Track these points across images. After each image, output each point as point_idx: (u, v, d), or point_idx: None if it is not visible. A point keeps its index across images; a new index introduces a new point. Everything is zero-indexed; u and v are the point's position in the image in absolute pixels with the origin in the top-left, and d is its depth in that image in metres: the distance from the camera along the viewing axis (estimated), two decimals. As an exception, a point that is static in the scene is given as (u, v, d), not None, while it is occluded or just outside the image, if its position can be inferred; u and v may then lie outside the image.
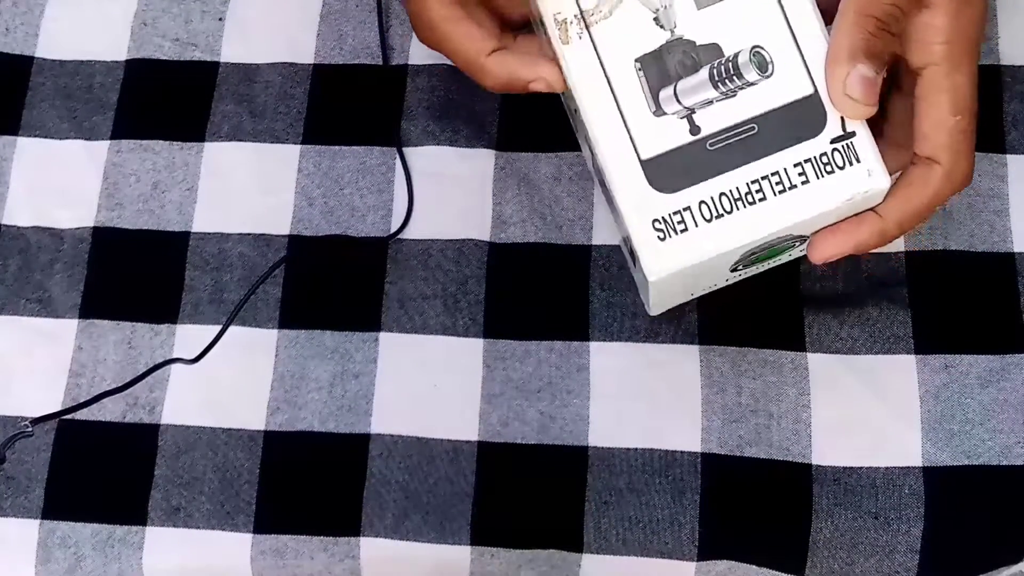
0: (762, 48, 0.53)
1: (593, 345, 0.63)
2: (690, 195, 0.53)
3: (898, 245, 0.64)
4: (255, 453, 0.63)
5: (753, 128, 0.53)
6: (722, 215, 0.53)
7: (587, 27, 0.54)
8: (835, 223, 0.55)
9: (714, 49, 0.54)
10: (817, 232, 0.55)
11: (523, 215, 0.65)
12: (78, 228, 0.67)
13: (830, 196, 0.53)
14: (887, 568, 0.60)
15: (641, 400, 0.62)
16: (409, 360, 0.64)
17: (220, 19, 0.70)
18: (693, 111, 0.53)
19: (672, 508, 0.60)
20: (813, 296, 0.64)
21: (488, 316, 0.64)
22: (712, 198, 0.53)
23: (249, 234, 0.66)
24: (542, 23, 0.55)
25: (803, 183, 0.53)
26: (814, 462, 0.61)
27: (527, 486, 0.62)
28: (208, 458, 0.63)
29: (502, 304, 0.64)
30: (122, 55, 0.70)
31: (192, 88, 0.69)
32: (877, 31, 0.53)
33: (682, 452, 0.61)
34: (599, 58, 0.54)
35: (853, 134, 0.53)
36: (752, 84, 0.53)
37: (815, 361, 0.63)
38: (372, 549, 0.61)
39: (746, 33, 0.54)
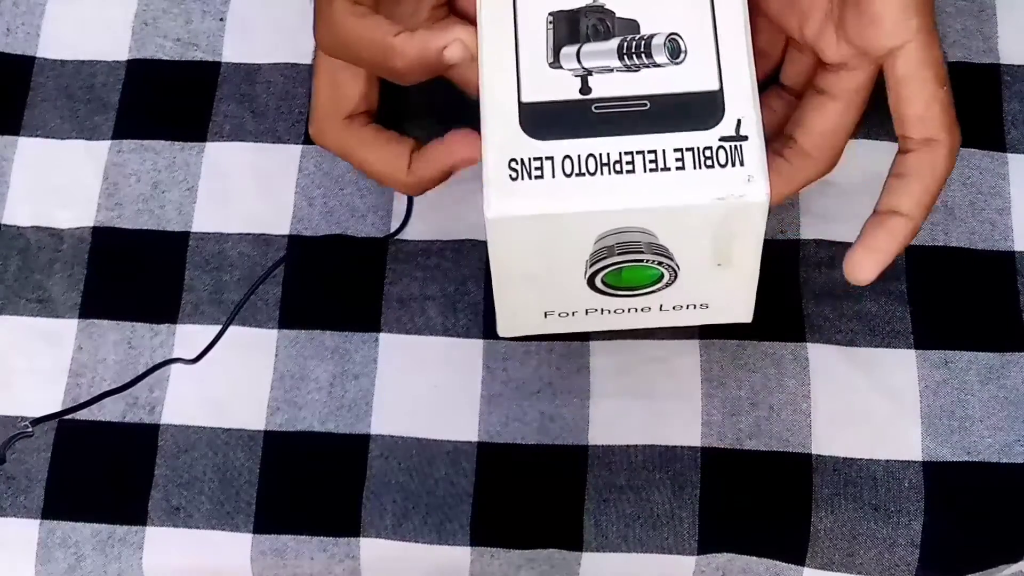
0: (679, 36, 0.52)
1: (593, 344, 0.63)
2: (558, 147, 0.50)
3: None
4: (255, 453, 0.63)
5: (645, 104, 0.51)
6: (583, 175, 0.50)
7: None
8: (865, 239, 0.53)
9: (631, 25, 0.52)
10: (853, 251, 0.53)
11: (523, 213, 0.65)
12: (78, 228, 0.67)
13: (701, 190, 0.50)
14: (888, 561, 0.59)
15: (641, 397, 0.62)
16: (409, 360, 0.64)
17: (221, 19, 0.70)
18: (590, 73, 0.52)
19: (672, 503, 0.60)
20: (813, 289, 0.64)
21: (488, 316, 0.64)
22: (579, 156, 0.50)
23: (249, 234, 0.66)
24: None
25: (678, 168, 0.50)
26: (814, 452, 0.61)
27: (527, 486, 0.61)
28: (208, 458, 0.63)
29: (502, 303, 0.64)
30: (123, 55, 0.70)
31: (193, 88, 0.69)
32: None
33: (682, 447, 0.61)
34: (514, 5, 0.53)
35: (746, 138, 0.50)
36: (659, 66, 0.51)
37: (815, 352, 0.63)
38: (372, 549, 0.61)
39: (668, 19, 0.52)
